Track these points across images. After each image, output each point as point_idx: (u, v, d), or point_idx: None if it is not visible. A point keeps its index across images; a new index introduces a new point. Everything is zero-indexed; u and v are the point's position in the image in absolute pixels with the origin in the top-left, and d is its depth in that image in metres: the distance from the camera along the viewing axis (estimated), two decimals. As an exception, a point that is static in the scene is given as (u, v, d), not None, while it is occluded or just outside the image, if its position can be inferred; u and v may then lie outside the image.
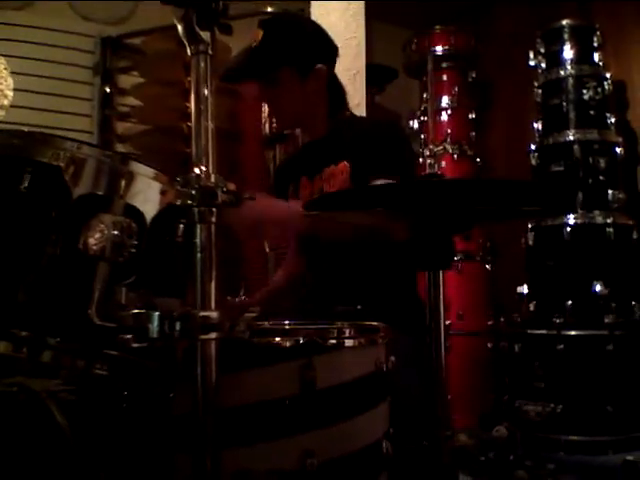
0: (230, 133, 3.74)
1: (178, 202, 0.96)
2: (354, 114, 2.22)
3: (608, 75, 3.72)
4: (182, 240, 1.22)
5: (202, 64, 0.99)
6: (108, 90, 4.03)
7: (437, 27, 4.62)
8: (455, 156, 4.42)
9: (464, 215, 1.33)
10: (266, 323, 1.48)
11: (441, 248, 1.30)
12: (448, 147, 4.35)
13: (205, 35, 0.99)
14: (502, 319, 3.76)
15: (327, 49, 2.12)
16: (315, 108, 2.09)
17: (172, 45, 3.33)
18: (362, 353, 1.28)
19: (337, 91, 2.14)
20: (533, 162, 3.79)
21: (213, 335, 0.94)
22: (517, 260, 3.84)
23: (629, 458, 2.84)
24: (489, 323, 4.04)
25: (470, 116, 4.58)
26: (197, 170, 0.96)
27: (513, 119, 4.74)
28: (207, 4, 0.98)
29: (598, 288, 3.40)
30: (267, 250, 3.32)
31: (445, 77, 4.61)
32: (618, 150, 3.63)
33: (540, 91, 3.86)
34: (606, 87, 3.70)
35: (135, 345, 1.01)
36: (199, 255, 0.96)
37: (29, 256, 1.11)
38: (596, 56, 3.77)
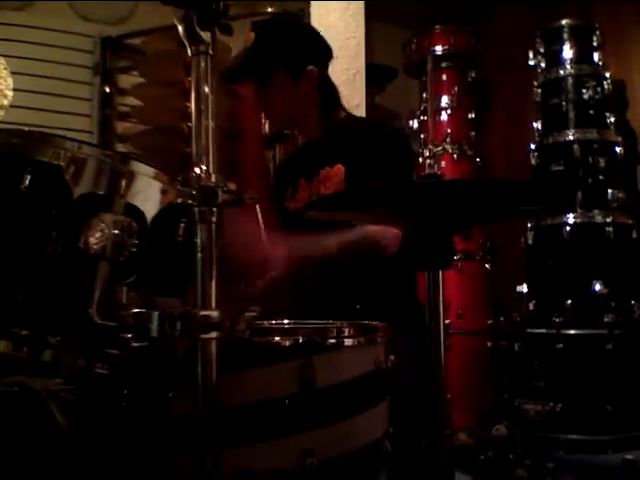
0: (230, 133, 3.74)
1: (179, 201, 0.97)
2: (351, 114, 2.22)
3: (608, 75, 3.72)
4: (183, 239, 1.23)
5: (202, 64, 1.00)
6: (108, 90, 4.02)
7: (437, 27, 4.62)
8: (455, 156, 4.43)
9: (464, 215, 1.33)
10: (266, 322, 1.49)
11: (441, 248, 1.30)
12: (448, 147, 4.35)
13: (205, 35, 0.99)
14: (502, 318, 3.76)
15: (319, 51, 2.13)
16: (307, 109, 2.10)
17: (172, 45, 3.32)
18: (361, 352, 1.28)
19: (330, 93, 2.14)
20: (533, 162, 3.79)
21: (213, 334, 0.95)
22: (517, 259, 3.85)
23: (629, 457, 2.84)
24: (489, 322, 4.05)
25: (470, 116, 4.59)
26: (197, 170, 0.96)
27: (513, 119, 4.74)
28: (207, 4, 0.98)
29: (598, 287, 3.40)
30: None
31: (445, 77, 4.61)
32: (618, 150, 3.63)
33: (540, 91, 3.86)
34: (606, 87, 3.70)
35: (136, 344, 1.01)
36: (199, 254, 0.96)
37: (30, 255, 1.11)
38: (596, 56, 3.78)
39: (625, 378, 3.25)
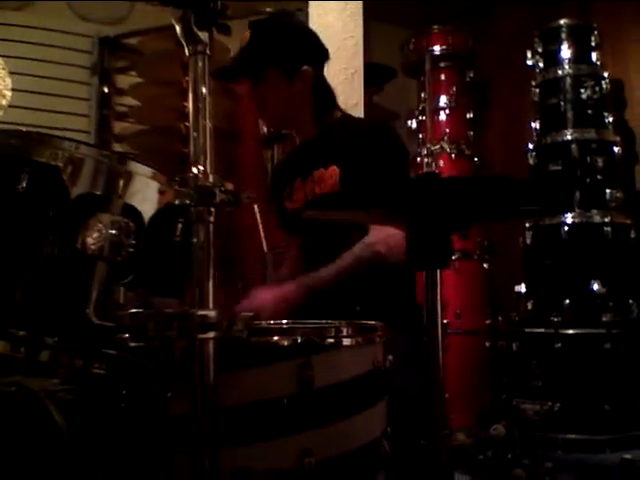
0: (228, 133, 3.74)
1: (176, 202, 0.97)
2: (346, 114, 2.22)
3: (606, 74, 3.72)
4: (180, 239, 1.23)
5: (200, 64, 0.99)
6: (106, 90, 4.03)
7: (435, 27, 4.62)
8: (453, 155, 4.43)
9: (461, 214, 1.33)
10: (264, 322, 1.49)
11: (439, 247, 1.30)
12: (446, 146, 4.35)
13: (203, 35, 0.99)
14: (500, 318, 3.76)
15: (315, 51, 2.13)
16: (300, 109, 2.10)
17: (170, 45, 3.32)
18: (360, 352, 1.28)
19: (324, 94, 2.14)
20: (531, 161, 3.79)
21: (211, 334, 0.95)
22: (515, 259, 3.85)
23: (627, 457, 2.84)
24: (487, 322, 4.05)
25: (468, 115, 4.59)
26: (195, 170, 0.96)
27: (511, 118, 4.74)
28: (205, 4, 0.98)
29: (596, 287, 3.40)
30: (265, 250, 3.32)
31: (443, 77, 4.62)
32: (616, 149, 3.63)
33: (538, 90, 3.86)
34: (604, 86, 3.70)
35: (133, 344, 1.01)
36: (197, 255, 0.96)
37: (27, 256, 1.11)
38: (594, 55, 3.77)
39: (623, 377, 3.26)
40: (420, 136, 4.48)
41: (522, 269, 3.78)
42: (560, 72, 3.75)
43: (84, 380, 1.15)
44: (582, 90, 3.69)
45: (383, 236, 1.86)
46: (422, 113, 4.55)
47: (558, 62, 3.79)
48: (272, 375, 1.14)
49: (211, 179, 0.96)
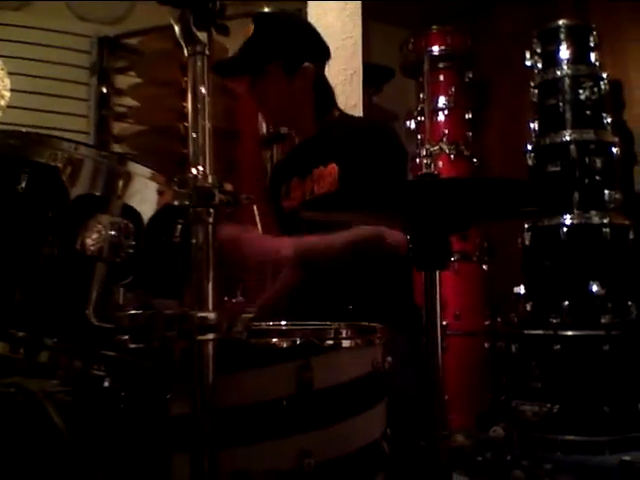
0: (227, 133, 3.74)
1: (175, 202, 0.96)
2: (344, 113, 2.21)
3: (604, 75, 3.72)
4: (179, 240, 1.23)
5: (199, 64, 0.99)
6: (105, 90, 4.03)
7: (434, 27, 4.62)
8: (452, 156, 4.43)
9: (461, 215, 1.33)
10: (263, 324, 1.48)
11: (437, 248, 1.30)
12: (445, 147, 4.35)
13: (202, 36, 0.99)
14: (499, 319, 3.77)
15: (317, 49, 2.13)
16: (301, 107, 2.10)
17: (169, 45, 3.32)
18: (359, 354, 1.28)
19: (325, 92, 2.14)
20: (529, 162, 3.79)
21: (210, 336, 0.94)
22: (514, 260, 3.85)
23: (626, 458, 2.85)
24: (486, 323, 4.05)
25: (467, 116, 4.59)
26: (194, 170, 0.96)
27: (510, 119, 4.75)
28: (204, 5, 0.98)
29: (595, 288, 3.41)
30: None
31: (442, 77, 4.62)
32: (614, 150, 3.63)
33: (536, 91, 3.87)
34: (602, 87, 3.70)
35: (132, 346, 1.01)
36: (196, 256, 0.96)
37: (26, 256, 1.11)
38: (592, 56, 3.78)
39: (622, 379, 3.26)
40: (419, 137, 4.49)
41: (521, 270, 3.78)
42: (559, 73, 3.76)
43: (83, 381, 1.15)
44: (581, 91, 3.70)
45: (384, 228, 1.85)
46: (421, 114, 4.56)
47: (557, 63, 3.80)
48: (271, 376, 1.14)
49: (210, 180, 0.96)
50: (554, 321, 3.37)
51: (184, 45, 1.00)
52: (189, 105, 0.99)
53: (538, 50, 3.89)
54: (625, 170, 3.81)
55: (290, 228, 2.21)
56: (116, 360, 1.13)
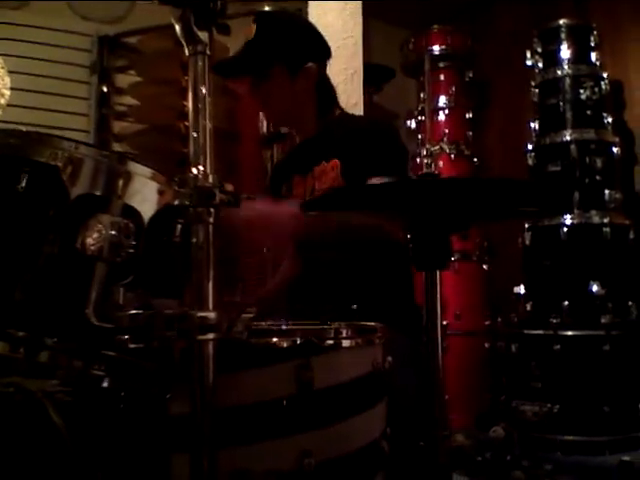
0: (228, 133, 3.74)
1: (176, 202, 0.96)
2: (345, 112, 2.22)
3: (605, 75, 3.72)
4: (180, 240, 1.22)
5: (200, 64, 0.99)
6: (105, 89, 4.02)
7: (434, 27, 4.62)
8: (452, 156, 4.43)
9: (461, 214, 1.33)
10: (263, 323, 1.48)
11: (438, 248, 1.30)
12: (445, 147, 4.35)
13: (203, 35, 0.98)
14: (499, 319, 3.76)
15: (319, 49, 2.13)
16: (303, 107, 2.10)
17: (169, 44, 3.32)
18: (359, 353, 1.28)
19: (327, 91, 2.14)
20: (530, 162, 3.79)
21: (211, 336, 0.94)
22: (514, 260, 3.85)
23: (626, 458, 2.85)
24: (486, 323, 4.05)
25: (467, 116, 4.59)
26: (195, 170, 0.96)
27: (510, 119, 4.74)
28: (205, 4, 0.98)
29: (595, 288, 3.40)
30: (264, 250, 3.32)
31: (442, 77, 4.61)
32: (615, 150, 3.63)
33: (537, 91, 3.87)
34: (603, 87, 3.70)
35: (132, 346, 1.01)
36: (196, 255, 0.96)
37: (26, 256, 1.11)
38: (593, 56, 3.78)
39: (622, 379, 3.26)
40: (419, 136, 4.48)
41: (521, 270, 3.78)
42: (559, 72, 3.76)
43: (83, 381, 1.15)
44: (581, 90, 3.69)
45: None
46: (421, 113, 4.55)
47: (557, 62, 3.80)
48: (271, 376, 1.13)
49: (210, 179, 0.96)
50: (554, 321, 3.37)
51: (185, 44, 0.99)
52: (190, 105, 0.99)
53: (538, 50, 3.89)
54: (625, 170, 3.81)
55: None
56: (116, 360, 1.12)
